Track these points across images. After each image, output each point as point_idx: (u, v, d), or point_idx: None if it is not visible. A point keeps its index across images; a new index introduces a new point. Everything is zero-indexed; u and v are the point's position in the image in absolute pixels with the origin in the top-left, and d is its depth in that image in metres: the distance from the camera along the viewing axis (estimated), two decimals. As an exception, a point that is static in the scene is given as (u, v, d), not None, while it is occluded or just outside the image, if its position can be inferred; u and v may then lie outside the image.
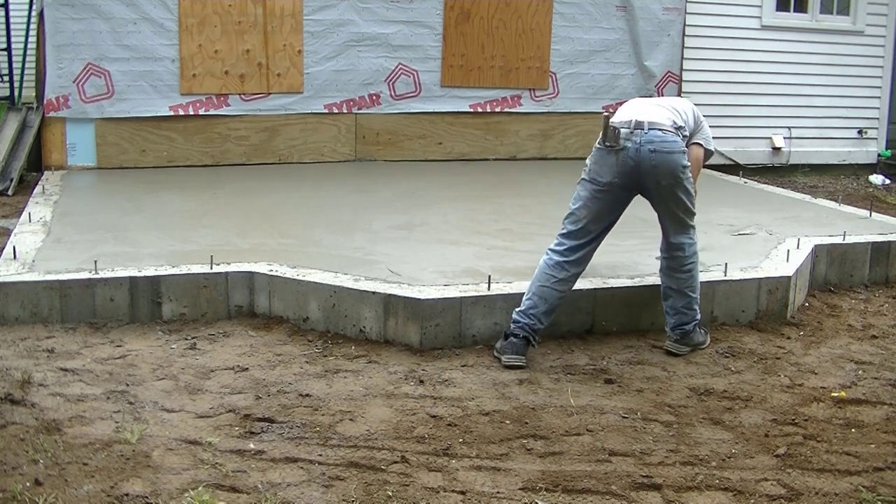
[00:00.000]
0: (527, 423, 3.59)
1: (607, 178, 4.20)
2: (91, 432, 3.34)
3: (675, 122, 4.30)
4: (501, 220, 6.31)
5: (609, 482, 3.13)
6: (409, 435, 3.44)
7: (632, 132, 4.14)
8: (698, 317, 4.43)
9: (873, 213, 6.78)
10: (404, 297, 4.32)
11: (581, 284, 4.62)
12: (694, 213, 4.37)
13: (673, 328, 4.39)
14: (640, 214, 6.81)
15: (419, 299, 4.29)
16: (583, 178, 4.31)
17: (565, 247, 4.28)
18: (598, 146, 4.22)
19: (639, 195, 4.36)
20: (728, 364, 4.33)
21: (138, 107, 8.08)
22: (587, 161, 4.32)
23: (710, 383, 4.08)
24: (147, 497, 2.90)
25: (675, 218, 4.33)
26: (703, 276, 4.82)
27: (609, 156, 4.18)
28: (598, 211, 4.26)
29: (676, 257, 4.37)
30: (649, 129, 4.15)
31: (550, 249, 4.33)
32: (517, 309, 4.25)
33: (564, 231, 4.32)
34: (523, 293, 4.41)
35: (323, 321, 4.48)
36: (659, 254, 4.55)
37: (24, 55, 9.11)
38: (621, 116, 4.28)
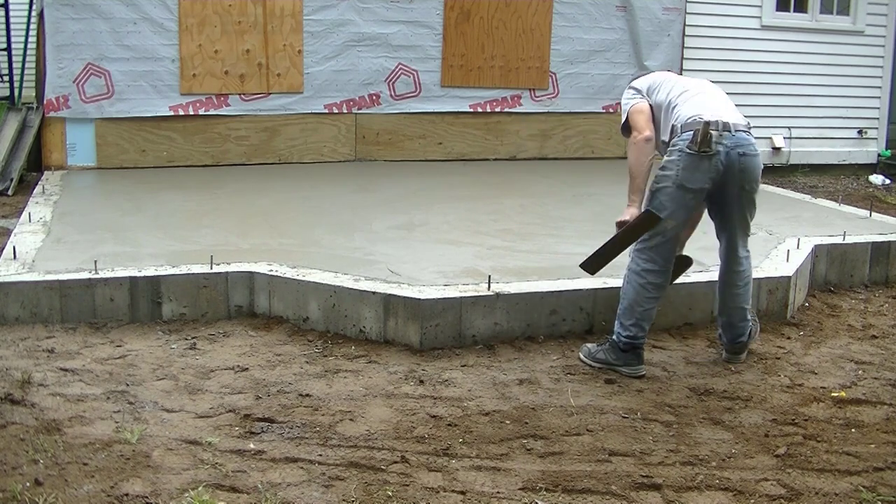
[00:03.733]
0: (527, 423, 3.58)
1: (700, 185, 3.98)
2: (91, 432, 3.34)
3: (748, 122, 4.12)
4: (501, 220, 6.31)
5: (609, 482, 3.13)
6: (409, 435, 3.43)
7: (721, 135, 3.93)
8: (751, 324, 4.35)
9: (873, 213, 6.78)
10: (404, 297, 4.32)
11: (581, 284, 4.63)
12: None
13: (733, 341, 4.30)
14: (640, 214, 6.74)
15: (419, 299, 4.29)
16: (660, 188, 4.01)
17: (659, 265, 4.10)
18: (690, 151, 3.93)
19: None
20: (728, 364, 4.32)
21: (138, 107, 8.08)
22: (669, 168, 3.99)
23: (710, 383, 4.08)
24: (147, 497, 2.90)
25: (746, 225, 4.18)
26: (703, 277, 4.82)
27: (702, 161, 3.92)
28: (686, 218, 4.10)
29: (738, 272, 4.23)
30: (735, 131, 3.97)
31: (646, 280, 4.09)
32: (624, 334, 4.10)
33: (653, 245, 4.07)
34: (523, 293, 4.42)
35: (323, 321, 4.48)
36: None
37: (24, 55, 9.11)
38: (696, 112, 4.00)
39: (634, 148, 4.08)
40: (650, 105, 4.17)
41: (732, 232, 4.19)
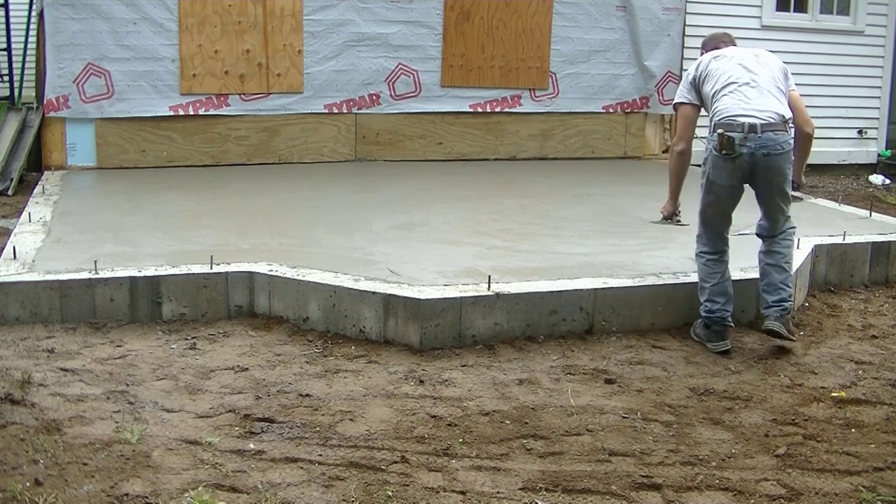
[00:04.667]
0: (527, 423, 3.58)
1: (728, 182, 4.38)
2: (91, 432, 3.34)
3: (783, 115, 4.38)
4: (501, 220, 6.31)
5: (609, 482, 3.13)
6: (409, 435, 3.43)
7: (746, 137, 4.25)
8: (792, 293, 4.55)
9: (873, 213, 6.78)
10: (404, 297, 4.32)
11: (581, 284, 4.63)
12: (791, 199, 4.56)
13: (772, 305, 4.46)
14: (640, 214, 6.79)
15: (419, 299, 4.29)
16: (702, 182, 4.48)
17: (716, 249, 4.53)
18: (715, 153, 4.33)
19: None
20: (728, 364, 4.33)
21: (138, 107, 8.08)
22: (704, 165, 4.43)
23: (710, 383, 4.08)
24: (147, 497, 2.90)
25: (781, 210, 4.50)
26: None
27: (726, 163, 4.32)
28: (725, 208, 4.50)
29: (781, 234, 4.54)
30: (762, 131, 4.26)
31: (706, 258, 4.54)
32: (703, 309, 4.48)
33: (709, 237, 4.54)
34: (523, 293, 4.43)
35: (323, 321, 4.49)
36: (742, 232, 4.70)
37: (24, 55, 9.11)
38: (732, 109, 4.33)
39: (671, 157, 4.78)
40: (698, 95, 4.61)
41: (770, 214, 4.54)
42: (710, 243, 4.55)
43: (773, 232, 4.55)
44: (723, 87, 4.45)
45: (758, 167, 4.30)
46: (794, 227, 4.61)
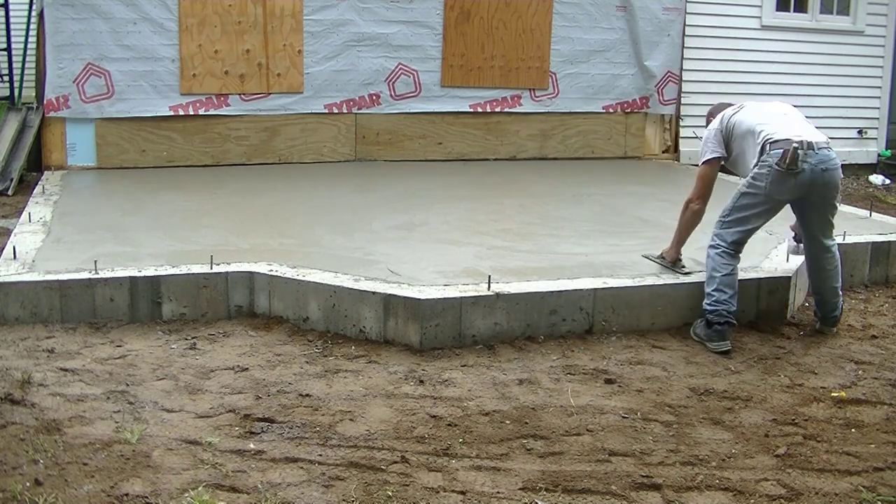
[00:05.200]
0: (527, 423, 3.58)
1: (785, 197, 4.53)
2: (91, 432, 3.34)
3: (827, 139, 4.59)
4: (501, 220, 6.31)
5: (609, 482, 3.13)
6: (409, 435, 3.44)
7: (806, 153, 4.40)
8: (842, 300, 4.84)
9: (873, 213, 6.77)
10: (404, 297, 4.32)
11: (581, 284, 4.63)
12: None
13: (827, 316, 4.79)
14: (640, 214, 6.80)
15: (419, 299, 4.29)
16: (749, 192, 4.52)
17: (735, 249, 4.59)
18: (779, 168, 4.40)
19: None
20: (728, 364, 4.33)
21: (138, 107, 8.08)
22: (759, 180, 4.46)
23: (710, 383, 4.08)
24: (147, 497, 2.90)
25: (829, 224, 4.69)
26: (702, 277, 4.83)
27: (789, 178, 4.42)
28: (769, 219, 4.63)
29: (827, 258, 4.74)
30: (819, 148, 4.44)
31: (722, 249, 4.57)
32: (709, 301, 4.53)
33: (735, 238, 4.57)
34: (523, 293, 4.43)
35: (323, 321, 4.49)
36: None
37: (24, 55, 9.11)
38: (783, 133, 4.46)
39: (687, 212, 4.84)
40: (725, 148, 4.73)
41: (814, 232, 4.72)
42: (733, 241, 4.59)
43: (815, 245, 4.73)
44: (763, 121, 4.58)
45: (816, 183, 4.45)
46: (836, 250, 4.79)
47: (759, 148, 4.50)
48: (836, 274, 4.77)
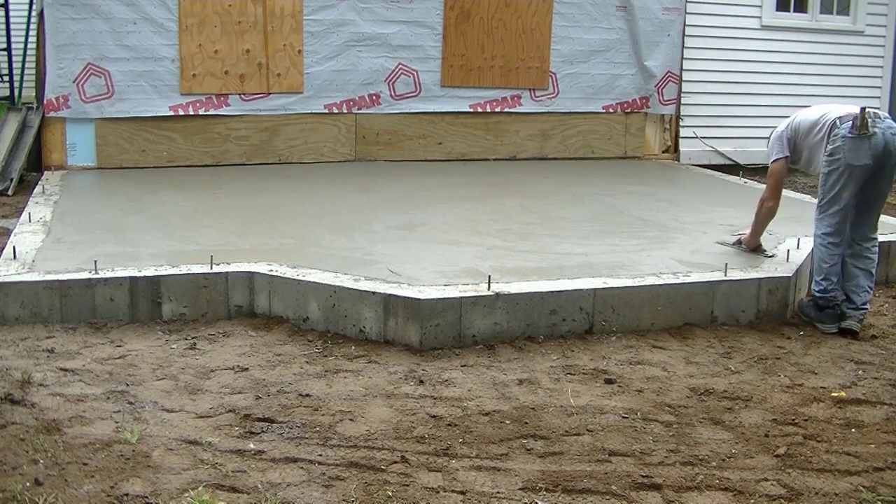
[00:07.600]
0: (527, 423, 3.58)
1: (864, 161, 4.74)
2: (91, 432, 3.34)
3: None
4: (501, 220, 6.31)
5: (609, 482, 3.13)
6: (409, 435, 3.44)
7: (874, 120, 4.75)
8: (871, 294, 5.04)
9: (873, 213, 6.77)
10: (404, 297, 4.32)
11: (581, 284, 4.63)
12: None
13: (861, 306, 4.88)
14: (640, 214, 6.80)
15: (419, 299, 4.29)
16: (832, 169, 4.79)
17: (837, 237, 4.87)
18: (851, 135, 4.71)
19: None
20: (728, 364, 4.33)
21: (138, 107, 8.08)
22: (836, 154, 4.74)
23: (710, 383, 4.08)
24: (147, 497, 2.91)
25: (882, 205, 4.98)
26: (702, 277, 4.84)
27: (863, 142, 4.72)
28: (854, 189, 4.82)
29: (868, 247, 4.97)
30: (884, 117, 4.81)
31: (828, 241, 4.87)
32: (818, 289, 4.86)
33: (834, 220, 4.84)
34: (523, 293, 4.43)
35: (323, 321, 4.49)
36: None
37: (24, 55, 9.12)
38: (843, 111, 4.83)
39: (763, 209, 5.24)
40: (791, 147, 5.07)
41: (868, 212, 4.93)
42: (838, 228, 4.84)
43: (861, 235, 4.94)
44: (820, 113, 4.92)
45: (889, 147, 4.72)
46: (877, 242, 5.03)
47: (825, 133, 4.82)
48: (874, 262, 4.96)
